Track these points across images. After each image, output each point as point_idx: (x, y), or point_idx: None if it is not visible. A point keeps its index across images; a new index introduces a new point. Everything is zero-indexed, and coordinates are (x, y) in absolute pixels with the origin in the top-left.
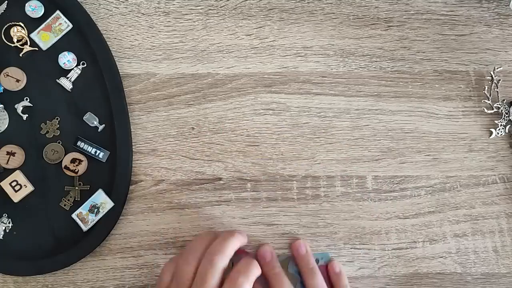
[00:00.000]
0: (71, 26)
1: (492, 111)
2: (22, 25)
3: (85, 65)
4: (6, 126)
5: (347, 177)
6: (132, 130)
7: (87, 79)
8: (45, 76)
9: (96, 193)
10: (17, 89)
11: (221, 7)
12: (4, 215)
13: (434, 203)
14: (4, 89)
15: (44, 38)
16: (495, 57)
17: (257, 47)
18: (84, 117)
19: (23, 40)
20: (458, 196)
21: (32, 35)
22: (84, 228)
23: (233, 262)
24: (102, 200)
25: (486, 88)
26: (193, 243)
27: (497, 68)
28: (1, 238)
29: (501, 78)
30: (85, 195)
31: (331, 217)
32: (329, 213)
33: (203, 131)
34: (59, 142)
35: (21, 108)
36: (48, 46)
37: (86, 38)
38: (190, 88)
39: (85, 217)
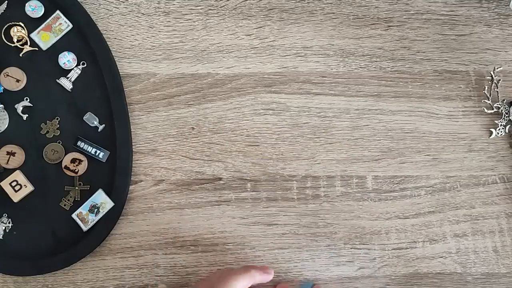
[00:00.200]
0: (71, 26)
1: (492, 111)
2: (22, 25)
3: (85, 65)
4: (6, 126)
5: (347, 177)
6: (132, 130)
7: (87, 79)
8: (45, 76)
9: (96, 193)
10: (17, 89)
11: (221, 7)
12: (4, 215)
13: (434, 203)
14: (4, 89)
15: (44, 38)
16: (495, 57)
17: (257, 47)
18: (84, 117)
19: (23, 40)
20: (458, 196)
21: (32, 35)
22: (84, 228)
23: None
24: (102, 200)
25: (486, 88)
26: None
27: (497, 68)
28: (1, 238)
29: (501, 78)
30: (85, 195)
31: (331, 217)
32: (329, 213)
33: (203, 131)
34: (59, 142)
35: (21, 108)
36: (48, 46)
37: (86, 38)
38: (190, 88)
39: (85, 217)
